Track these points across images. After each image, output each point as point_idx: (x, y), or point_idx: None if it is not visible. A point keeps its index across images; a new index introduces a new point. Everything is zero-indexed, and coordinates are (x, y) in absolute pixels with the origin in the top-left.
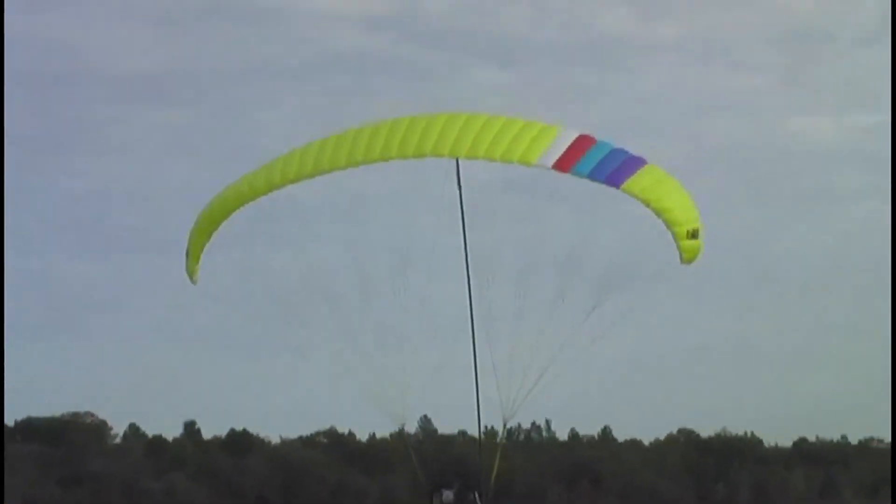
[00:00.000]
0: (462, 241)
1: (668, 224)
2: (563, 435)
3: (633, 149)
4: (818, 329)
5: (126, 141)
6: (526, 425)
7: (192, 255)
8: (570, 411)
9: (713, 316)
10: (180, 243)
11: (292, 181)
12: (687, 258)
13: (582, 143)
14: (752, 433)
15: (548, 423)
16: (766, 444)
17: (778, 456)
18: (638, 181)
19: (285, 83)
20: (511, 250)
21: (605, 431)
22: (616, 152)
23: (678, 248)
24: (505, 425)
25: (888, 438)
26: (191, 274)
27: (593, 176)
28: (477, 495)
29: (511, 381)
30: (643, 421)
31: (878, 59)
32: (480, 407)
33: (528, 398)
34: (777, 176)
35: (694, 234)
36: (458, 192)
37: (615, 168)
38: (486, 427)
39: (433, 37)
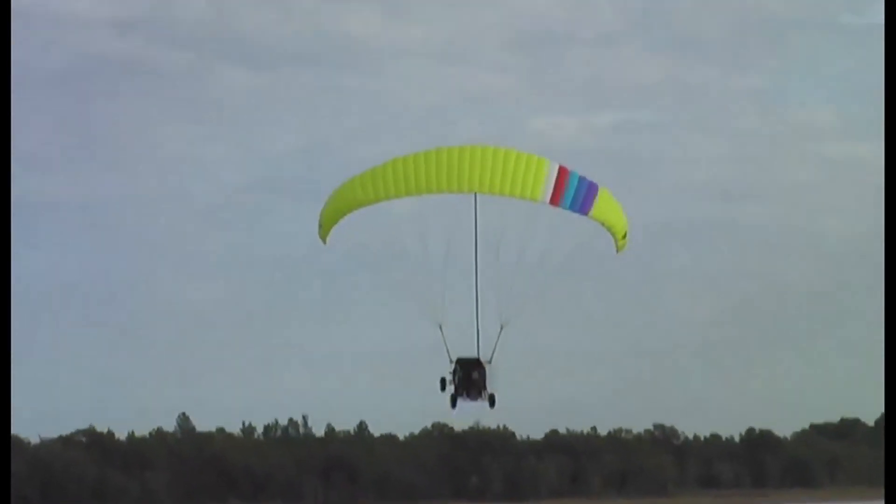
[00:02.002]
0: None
1: (612, 232)
2: (319, 431)
3: (383, 149)
4: (571, 328)
5: None
6: (283, 421)
7: (324, 229)
8: (328, 407)
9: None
10: None
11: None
12: (620, 251)
13: (561, 177)
14: (505, 426)
15: (304, 418)
16: (518, 437)
17: (530, 448)
18: (598, 208)
19: (38, 89)
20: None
21: (361, 427)
22: (581, 182)
23: (616, 245)
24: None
25: (636, 429)
26: (323, 238)
27: (572, 208)
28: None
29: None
30: (399, 416)
31: (619, 57)
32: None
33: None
34: None
35: (625, 235)
36: (475, 219)
37: (583, 199)
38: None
39: (183, 40)
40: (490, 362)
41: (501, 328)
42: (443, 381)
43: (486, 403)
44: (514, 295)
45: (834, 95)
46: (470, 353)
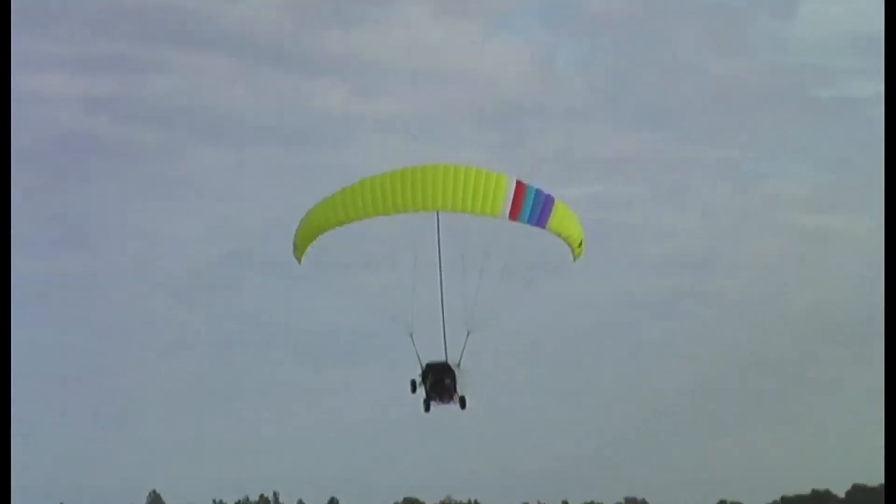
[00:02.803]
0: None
1: (569, 242)
2: None
3: None
4: (542, 398)
5: None
6: (254, 497)
7: (300, 250)
8: (298, 482)
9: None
10: None
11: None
12: (577, 258)
13: (519, 193)
14: (476, 501)
15: (275, 494)
16: None
17: None
18: (555, 219)
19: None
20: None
21: (332, 502)
22: (538, 195)
23: (573, 253)
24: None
25: (608, 501)
26: (298, 259)
27: (530, 222)
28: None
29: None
30: (370, 491)
31: (590, 131)
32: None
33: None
34: (496, 250)
35: (581, 244)
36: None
37: (540, 212)
38: None
39: (151, 117)
40: (459, 366)
41: (468, 334)
42: (413, 384)
43: (458, 406)
44: (479, 303)
45: (804, 167)
46: (439, 357)
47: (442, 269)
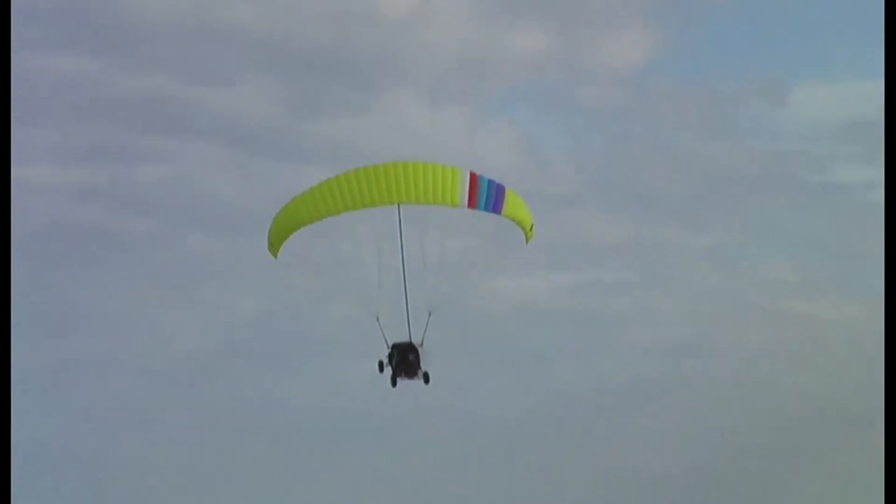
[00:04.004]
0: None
1: (522, 226)
2: None
3: (344, 313)
4: (535, 487)
5: None
6: None
7: (275, 247)
8: None
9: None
10: None
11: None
12: (529, 241)
13: (474, 183)
14: None
15: None
16: None
17: None
18: (509, 206)
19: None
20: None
21: None
22: (491, 185)
23: (525, 237)
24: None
25: None
26: (273, 255)
27: (486, 209)
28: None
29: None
30: None
31: (579, 218)
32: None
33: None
34: (489, 336)
35: (531, 227)
36: (399, 225)
37: (494, 200)
38: None
39: (144, 206)
40: (422, 345)
41: (429, 314)
42: (380, 364)
43: (422, 381)
44: (439, 285)
45: (794, 253)
46: (403, 338)
47: (404, 258)
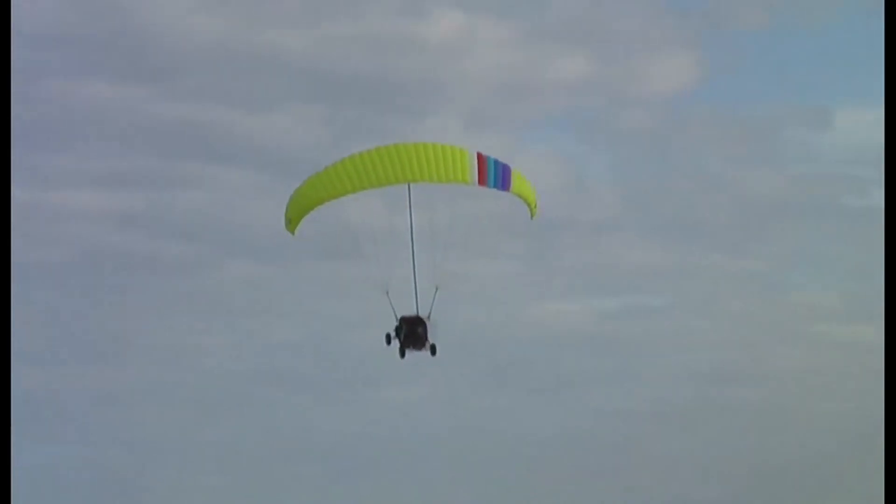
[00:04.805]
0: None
1: (528, 203)
2: None
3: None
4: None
5: None
6: None
7: (293, 224)
8: None
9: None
10: None
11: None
12: (534, 217)
13: (482, 162)
14: None
15: None
16: None
17: None
18: (515, 184)
19: (38, 283)
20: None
21: None
22: (497, 164)
23: (530, 213)
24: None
25: None
26: (291, 232)
27: (495, 186)
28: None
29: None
30: None
31: (618, 242)
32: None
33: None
34: (526, 361)
35: (536, 204)
36: (409, 203)
37: (502, 178)
38: None
39: (182, 232)
40: (429, 318)
41: (437, 289)
42: (388, 337)
43: (429, 353)
44: (445, 262)
45: (835, 278)
46: (411, 311)
47: (413, 234)
